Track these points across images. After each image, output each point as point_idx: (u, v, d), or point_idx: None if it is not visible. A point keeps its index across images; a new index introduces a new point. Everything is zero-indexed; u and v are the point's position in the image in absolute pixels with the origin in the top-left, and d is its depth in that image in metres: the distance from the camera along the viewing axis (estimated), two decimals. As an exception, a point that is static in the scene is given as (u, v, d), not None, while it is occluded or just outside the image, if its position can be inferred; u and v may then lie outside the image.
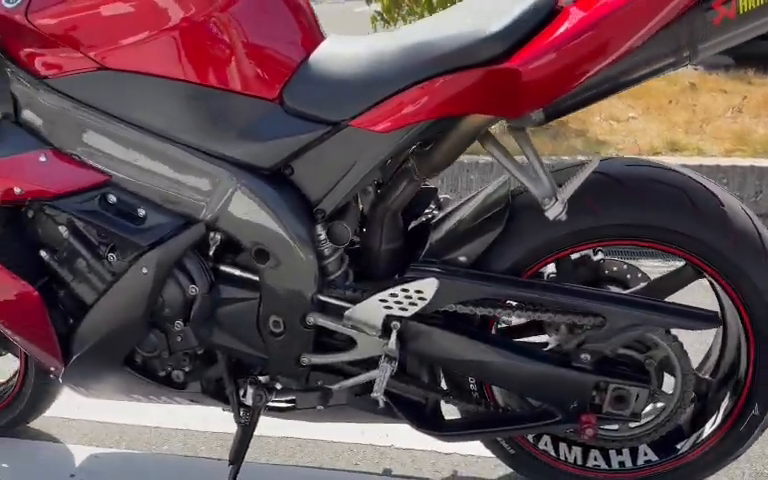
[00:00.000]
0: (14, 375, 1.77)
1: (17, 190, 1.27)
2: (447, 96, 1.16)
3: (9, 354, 1.73)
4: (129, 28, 1.20)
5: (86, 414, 1.88)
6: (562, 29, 1.08)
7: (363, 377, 1.35)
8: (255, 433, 1.44)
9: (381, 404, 1.31)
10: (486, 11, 1.19)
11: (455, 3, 3.86)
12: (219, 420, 1.61)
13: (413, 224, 1.44)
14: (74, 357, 1.40)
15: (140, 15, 1.19)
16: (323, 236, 1.30)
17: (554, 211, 1.20)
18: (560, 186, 1.21)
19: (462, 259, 1.29)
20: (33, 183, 1.27)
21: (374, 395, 1.28)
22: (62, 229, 1.33)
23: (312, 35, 1.31)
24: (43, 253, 1.36)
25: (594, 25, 1.06)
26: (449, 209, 1.41)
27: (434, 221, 1.40)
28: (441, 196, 1.50)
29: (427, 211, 1.47)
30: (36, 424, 1.86)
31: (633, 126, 3.85)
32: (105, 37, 1.20)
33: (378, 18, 4.12)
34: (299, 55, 1.27)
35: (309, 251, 1.28)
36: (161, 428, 1.84)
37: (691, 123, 3.78)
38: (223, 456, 1.64)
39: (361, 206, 1.43)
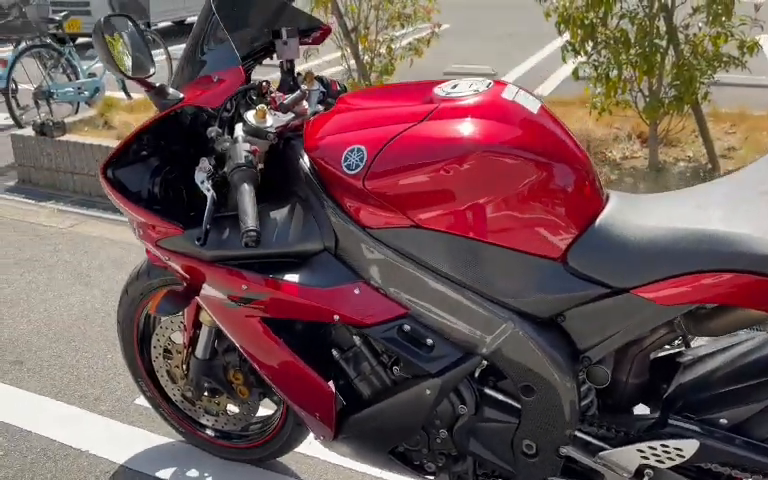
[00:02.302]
0: (274, 414, 2.06)
1: (336, 317, 1.50)
2: (741, 292, 1.25)
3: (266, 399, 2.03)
4: (443, 197, 1.37)
5: (318, 452, 2.16)
6: None
7: None
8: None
9: None
10: None
11: (646, 46, 3.86)
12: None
13: (656, 354, 1.54)
14: (344, 435, 1.63)
15: (455, 189, 1.36)
16: (584, 379, 1.44)
17: None
18: None
19: (723, 421, 1.38)
20: (349, 312, 1.49)
21: None
22: (355, 338, 1.55)
23: (596, 198, 1.43)
24: (334, 352, 1.58)
25: None
26: (700, 352, 1.49)
27: (684, 360, 1.50)
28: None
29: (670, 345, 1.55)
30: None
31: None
32: (422, 203, 1.39)
33: (569, 49, 4.11)
34: (584, 219, 1.39)
35: (572, 392, 1.42)
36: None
37: None
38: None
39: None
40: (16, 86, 6.16)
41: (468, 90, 1.45)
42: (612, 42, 3.91)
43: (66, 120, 5.09)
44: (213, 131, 1.51)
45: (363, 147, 1.41)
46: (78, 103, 6.39)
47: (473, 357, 1.46)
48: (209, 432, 2.15)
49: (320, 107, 1.75)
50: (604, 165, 4.16)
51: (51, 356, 2.76)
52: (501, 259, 1.39)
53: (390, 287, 1.46)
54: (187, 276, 1.62)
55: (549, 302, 1.40)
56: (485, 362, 1.48)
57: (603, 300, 1.37)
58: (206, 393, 1.98)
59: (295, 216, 1.53)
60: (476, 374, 1.53)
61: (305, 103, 1.64)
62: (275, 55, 1.78)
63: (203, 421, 2.13)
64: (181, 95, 1.61)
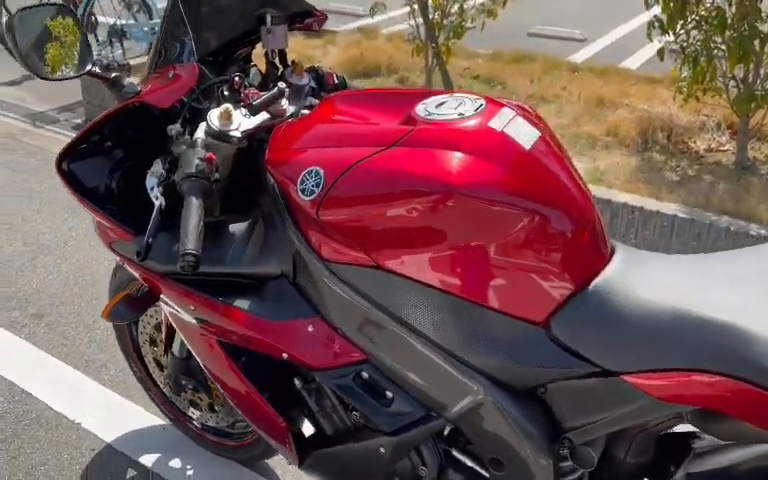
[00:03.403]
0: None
1: (284, 355, 1.33)
2: (744, 404, 1.00)
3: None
4: (409, 239, 1.17)
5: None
6: None
7: None
8: None
9: None
10: None
11: (743, 29, 3.38)
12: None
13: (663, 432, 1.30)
14: (308, 465, 1.49)
15: (423, 232, 1.15)
16: (566, 455, 1.22)
17: None
18: None
19: None
20: (299, 352, 1.32)
21: None
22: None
23: (595, 255, 1.19)
24: (296, 381, 1.43)
25: None
26: (710, 444, 1.25)
27: (696, 447, 1.26)
28: None
29: None
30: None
31: None
32: (384, 243, 1.19)
33: (655, 25, 3.68)
34: (576, 280, 1.16)
35: (547, 472, 1.21)
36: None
37: None
38: None
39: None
40: (96, 21, 6.23)
41: (452, 112, 1.22)
42: (705, 23, 3.47)
43: (136, 61, 5.10)
44: (173, 129, 1.35)
45: (321, 170, 1.22)
46: (150, 43, 6.41)
47: (437, 419, 1.27)
48: (196, 424, 2.07)
49: (314, 101, 1.56)
50: (684, 157, 3.76)
51: (71, 313, 2.75)
52: (473, 317, 1.17)
53: (348, 328, 1.28)
54: (144, 283, 1.50)
55: (526, 372, 1.18)
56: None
57: (589, 379, 1.14)
58: (186, 390, 1.88)
59: (255, 233, 1.37)
60: (445, 434, 1.34)
61: (284, 102, 1.45)
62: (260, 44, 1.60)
63: (189, 414, 2.05)
64: (138, 88, 1.45)
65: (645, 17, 3.80)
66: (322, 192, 1.20)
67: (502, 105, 1.24)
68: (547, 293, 1.15)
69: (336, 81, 1.63)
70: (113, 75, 1.45)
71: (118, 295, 1.60)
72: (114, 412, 2.23)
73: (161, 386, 2.04)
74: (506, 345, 1.17)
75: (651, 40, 3.71)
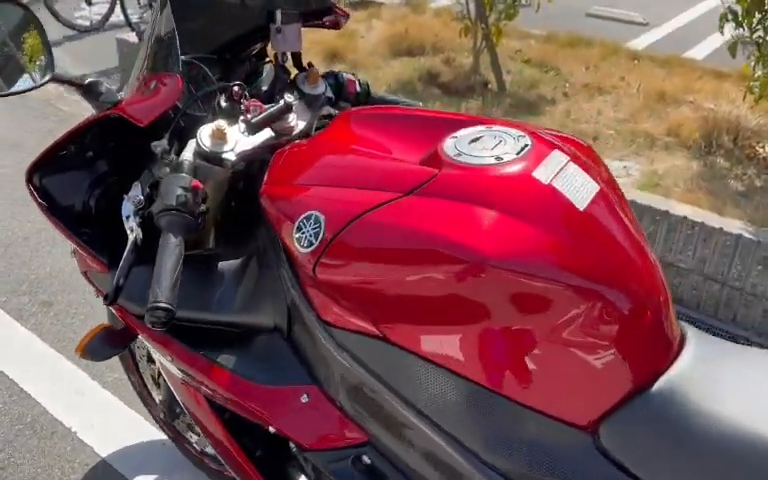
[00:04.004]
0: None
1: (271, 429, 1.13)
2: None
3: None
4: (425, 313, 0.95)
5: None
6: None
7: None
8: None
9: None
10: None
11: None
12: None
13: None
14: None
15: (443, 306, 0.93)
16: None
17: None
18: None
19: None
20: (290, 426, 1.11)
21: None
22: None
23: (660, 350, 0.95)
24: (290, 449, 1.23)
25: None
26: None
27: None
28: None
29: None
30: None
31: None
32: (394, 314, 0.97)
33: (729, 17, 3.32)
34: (635, 380, 0.92)
35: None
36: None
37: None
38: None
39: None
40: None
41: (488, 154, 0.98)
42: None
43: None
44: (159, 147, 1.15)
45: (322, 217, 0.99)
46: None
47: None
48: (196, 447, 1.90)
49: (332, 111, 1.33)
50: (751, 165, 3.42)
51: (81, 303, 2.61)
52: (502, 413, 0.95)
53: (349, 404, 1.07)
54: (121, 320, 1.31)
55: None
56: None
57: None
58: (180, 417, 1.70)
59: (248, 274, 1.16)
60: None
61: (291, 118, 1.23)
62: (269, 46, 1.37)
63: (188, 436, 1.88)
64: (119, 96, 1.25)
65: (713, 2, 3.44)
66: (321, 245, 0.98)
67: (552, 146, 1.00)
68: (598, 392, 0.92)
69: (358, 89, 1.40)
70: (87, 81, 1.25)
71: (96, 327, 1.42)
72: (113, 420, 2.08)
73: (159, 404, 1.88)
74: (541, 450, 0.94)
75: (722, 33, 3.36)
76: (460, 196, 0.93)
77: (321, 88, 1.34)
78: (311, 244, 0.99)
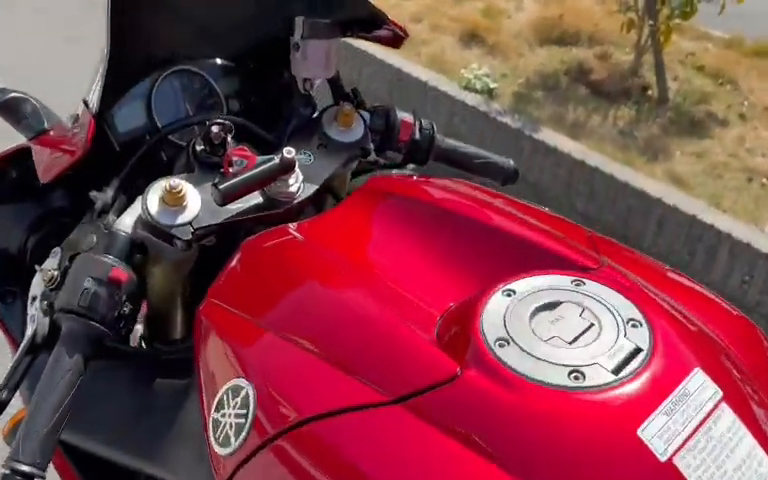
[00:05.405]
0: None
1: None
2: None
3: None
4: None
5: None
6: None
7: None
8: None
9: None
10: None
11: None
12: None
13: None
14: None
15: None
16: None
17: None
18: None
19: None
20: None
21: None
22: None
23: None
24: None
25: None
26: None
27: None
28: None
29: None
30: None
31: None
32: None
33: None
34: None
35: None
36: None
37: None
38: None
39: None
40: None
41: (560, 353, 0.52)
42: None
43: None
44: (99, 200, 0.80)
45: (251, 398, 0.59)
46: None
47: None
48: None
49: (378, 159, 0.92)
50: None
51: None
52: None
53: None
54: None
55: None
56: None
57: None
58: None
59: (184, 410, 0.78)
60: None
61: (293, 181, 0.82)
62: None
63: None
64: (44, 125, 0.90)
65: None
66: (240, 449, 0.57)
67: (687, 368, 0.51)
68: None
69: (417, 136, 0.96)
70: (9, 96, 0.91)
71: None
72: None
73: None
74: None
75: None
76: (480, 435, 0.48)
77: (357, 133, 0.91)
78: (228, 443, 0.58)
